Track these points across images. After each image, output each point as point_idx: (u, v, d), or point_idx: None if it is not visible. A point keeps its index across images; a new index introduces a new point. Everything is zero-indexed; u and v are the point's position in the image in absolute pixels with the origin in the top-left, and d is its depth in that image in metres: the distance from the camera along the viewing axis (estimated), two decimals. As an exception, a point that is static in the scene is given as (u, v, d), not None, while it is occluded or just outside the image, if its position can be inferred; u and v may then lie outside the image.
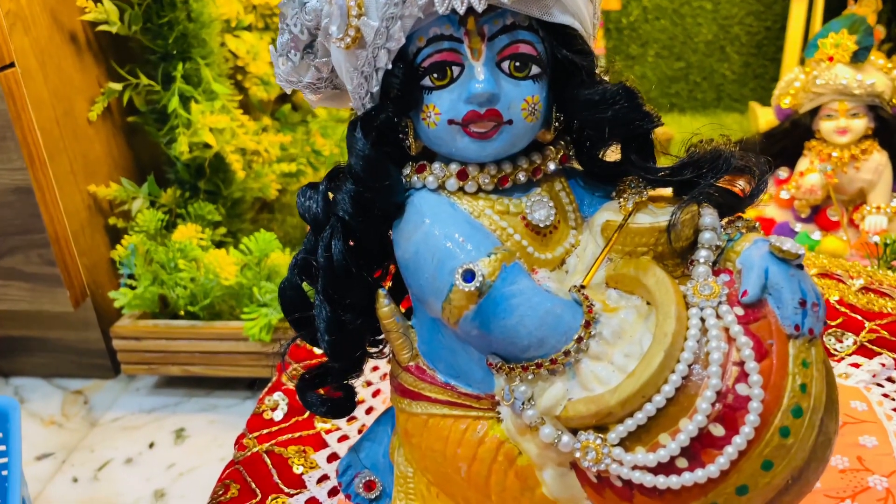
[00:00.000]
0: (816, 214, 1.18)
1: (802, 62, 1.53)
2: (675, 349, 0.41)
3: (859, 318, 0.79)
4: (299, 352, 0.83)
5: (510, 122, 0.44)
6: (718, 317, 0.42)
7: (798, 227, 1.18)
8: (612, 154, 0.51)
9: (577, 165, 0.51)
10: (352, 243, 0.48)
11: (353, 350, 0.51)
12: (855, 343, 0.75)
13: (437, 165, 0.47)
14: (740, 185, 0.49)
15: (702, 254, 0.45)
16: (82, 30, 1.05)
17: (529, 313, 0.43)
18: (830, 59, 1.14)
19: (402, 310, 0.52)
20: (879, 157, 1.14)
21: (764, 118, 1.58)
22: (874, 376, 0.70)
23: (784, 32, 1.60)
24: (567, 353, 0.43)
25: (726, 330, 0.42)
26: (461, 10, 0.40)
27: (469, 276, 0.43)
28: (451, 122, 0.44)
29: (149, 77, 1.08)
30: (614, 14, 1.65)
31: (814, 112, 1.17)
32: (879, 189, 1.14)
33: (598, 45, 1.58)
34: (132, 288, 1.03)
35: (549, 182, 0.49)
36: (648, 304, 0.45)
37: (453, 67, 0.43)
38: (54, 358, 1.14)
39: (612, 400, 0.41)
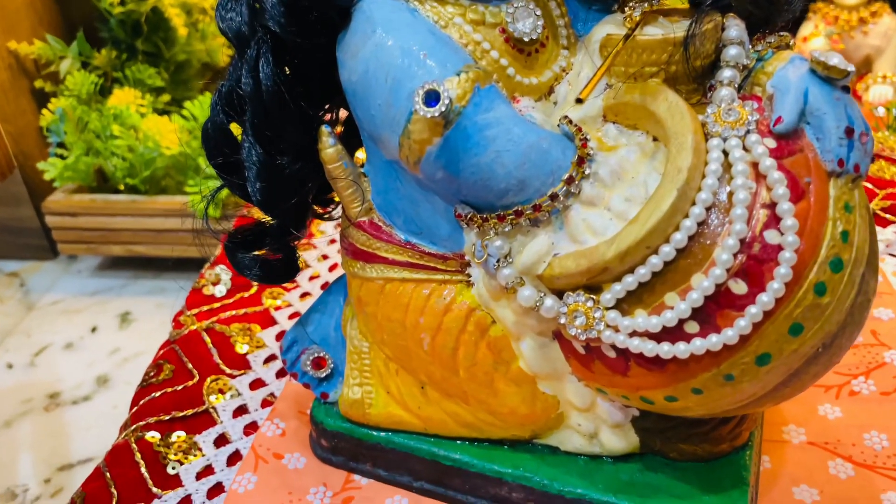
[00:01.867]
0: (818, 84, 1.09)
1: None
2: (690, 188, 0.33)
3: (870, 186, 0.71)
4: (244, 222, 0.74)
5: None
6: (745, 149, 0.33)
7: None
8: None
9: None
10: (287, 70, 0.39)
11: (290, 199, 0.42)
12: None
13: None
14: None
15: (725, 73, 0.36)
16: None
17: (508, 147, 0.34)
18: None
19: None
20: (890, 21, 1.04)
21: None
22: (888, 246, 0.63)
23: None
24: (554, 198, 0.35)
25: (755, 165, 0.33)
26: None
27: (432, 97, 0.34)
28: None
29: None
30: None
31: (821, -31, 1.06)
32: (887, 56, 1.05)
33: None
34: (63, 158, 0.93)
35: (536, -11, 0.39)
36: (655, 140, 0.37)
37: None
38: (-16, 238, 1.04)
39: (609, 252, 0.33)
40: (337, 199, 0.45)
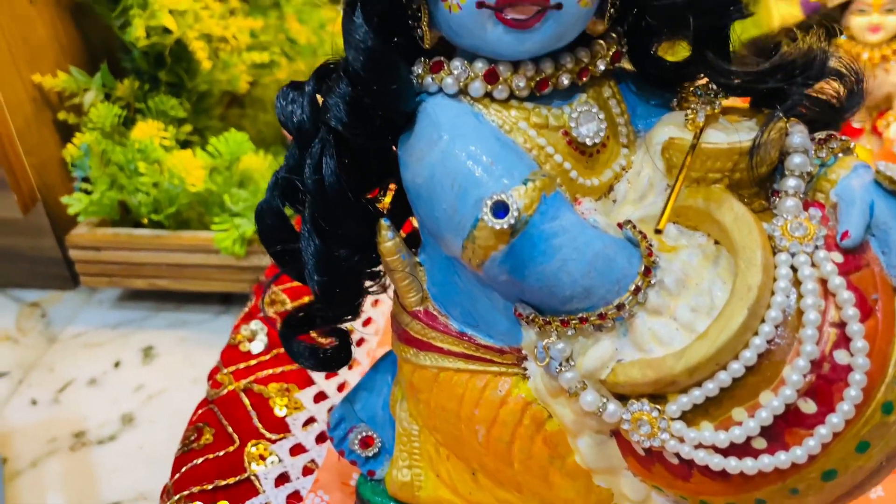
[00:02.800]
0: (838, 121, 1.09)
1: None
2: (760, 306, 0.33)
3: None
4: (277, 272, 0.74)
5: (558, 5, 0.34)
6: (814, 264, 0.34)
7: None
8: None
9: (626, 64, 0.41)
10: (346, 161, 0.39)
11: (350, 294, 0.42)
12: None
13: (457, 63, 0.37)
14: (829, 93, 0.40)
15: (790, 183, 0.36)
16: None
17: (574, 256, 0.34)
18: (867, -56, 1.03)
19: (404, 235, 0.43)
20: (912, 59, 1.04)
21: (777, 11, 1.45)
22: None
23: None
24: (620, 307, 0.35)
25: (823, 282, 0.33)
26: None
27: (501, 209, 0.34)
28: (480, 4, 0.34)
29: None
30: None
31: (844, 6, 1.06)
32: (910, 94, 1.05)
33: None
34: (87, 193, 0.92)
35: (597, 86, 0.39)
36: (716, 242, 0.37)
37: None
38: (6, 267, 1.04)
39: (678, 367, 0.33)
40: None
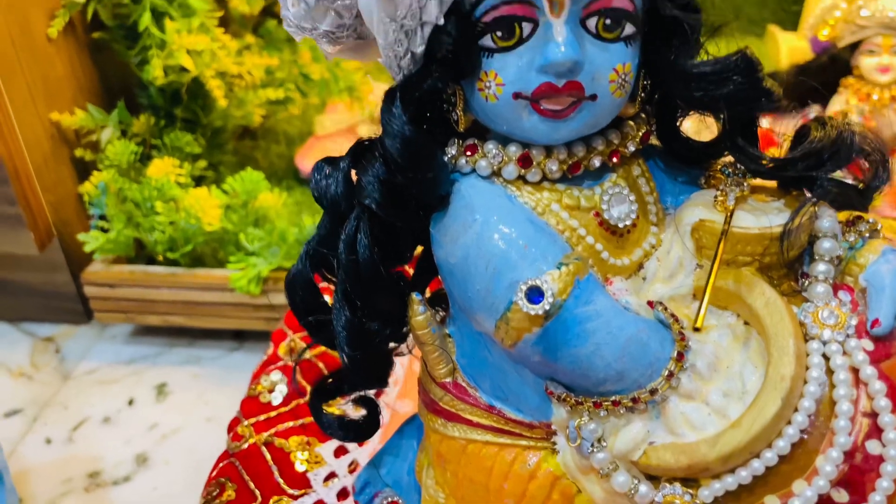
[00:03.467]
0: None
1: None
2: (793, 396, 0.33)
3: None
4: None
5: (593, 97, 0.34)
6: (845, 353, 0.34)
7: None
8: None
9: (653, 139, 0.42)
10: (380, 238, 0.39)
11: (380, 365, 0.42)
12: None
13: (491, 147, 0.37)
14: (852, 175, 0.40)
15: (820, 268, 0.36)
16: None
17: (608, 341, 0.35)
18: (877, -13, 1.03)
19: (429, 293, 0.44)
20: (922, 99, 1.05)
21: (786, 44, 1.47)
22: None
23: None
24: (653, 392, 0.35)
25: (855, 371, 0.34)
26: (547, -47, 0.30)
27: (535, 294, 0.34)
28: (517, 95, 0.34)
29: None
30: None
31: (854, 46, 1.07)
32: (919, 134, 1.06)
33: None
34: (104, 231, 0.93)
35: (627, 165, 0.39)
36: (746, 322, 0.37)
37: (524, 24, 0.33)
38: (20, 301, 1.04)
39: (711, 454, 0.34)
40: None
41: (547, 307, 0.34)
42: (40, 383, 0.96)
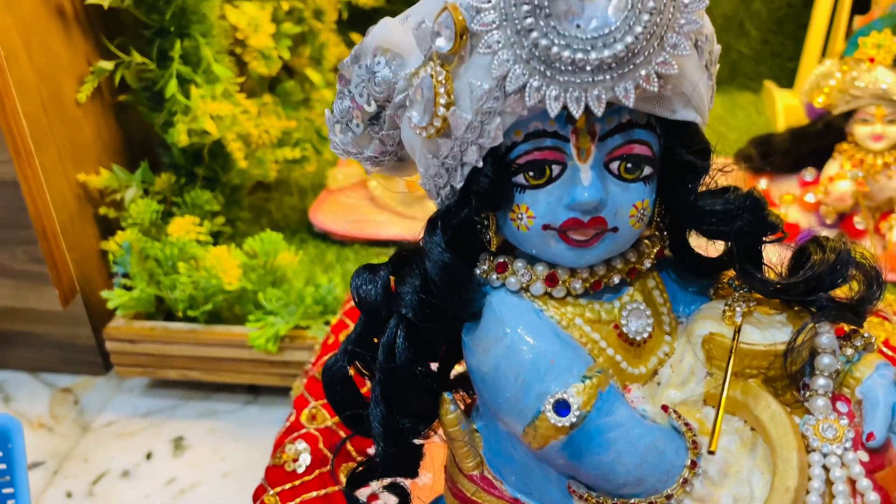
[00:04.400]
0: (842, 221, 1.14)
1: (824, 49, 1.47)
2: (796, 505, 0.36)
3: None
4: (317, 386, 0.77)
5: (615, 229, 0.38)
6: (843, 464, 0.37)
7: (823, 233, 1.14)
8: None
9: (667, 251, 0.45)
10: (417, 343, 0.42)
11: (413, 459, 0.46)
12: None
13: (520, 265, 0.41)
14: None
15: (820, 382, 0.40)
16: (70, 3, 0.94)
17: (628, 449, 0.38)
18: (871, 60, 1.08)
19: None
20: (913, 166, 1.09)
21: (781, 101, 1.52)
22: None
23: (807, 10, 1.53)
24: (669, 497, 0.38)
25: (852, 482, 0.37)
26: (577, 115, 0.33)
27: (563, 408, 0.38)
28: (546, 227, 0.38)
29: (142, 54, 0.98)
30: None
31: (848, 114, 1.12)
32: (912, 198, 1.10)
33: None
34: (127, 288, 0.96)
35: (643, 279, 0.43)
36: (753, 429, 0.40)
37: (552, 167, 0.37)
38: (40, 352, 1.07)
39: (723, 558, 0.37)
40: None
41: (574, 419, 0.37)
42: (60, 435, 0.98)
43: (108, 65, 0.97)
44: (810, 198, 1.15)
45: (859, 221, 1.12)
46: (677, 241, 0.44)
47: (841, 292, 0.42)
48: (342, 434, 0.69)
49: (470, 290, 0.40)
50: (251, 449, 0.94)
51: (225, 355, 0.97)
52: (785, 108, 1.47)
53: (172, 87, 0.95)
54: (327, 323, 0.92)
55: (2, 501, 0.69)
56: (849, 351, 0.41)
